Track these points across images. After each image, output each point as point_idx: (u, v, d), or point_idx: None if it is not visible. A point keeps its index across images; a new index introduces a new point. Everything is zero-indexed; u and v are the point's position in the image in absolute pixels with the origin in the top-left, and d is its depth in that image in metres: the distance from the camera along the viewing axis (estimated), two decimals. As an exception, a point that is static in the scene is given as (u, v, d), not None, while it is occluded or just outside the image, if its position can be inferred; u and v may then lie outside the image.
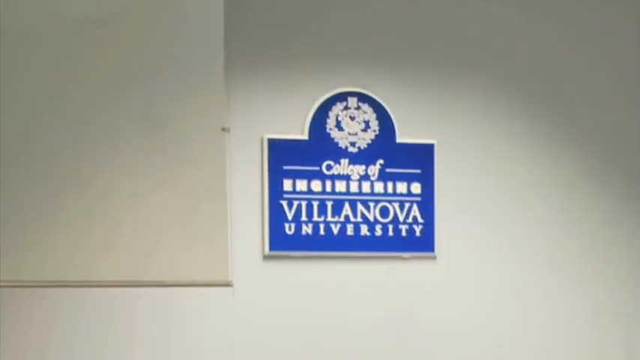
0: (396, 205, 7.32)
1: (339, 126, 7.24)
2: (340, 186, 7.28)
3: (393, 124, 7.28)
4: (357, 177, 7.31)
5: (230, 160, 6.10)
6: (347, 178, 7.27)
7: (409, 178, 7.38)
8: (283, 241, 7.24)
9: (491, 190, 7.67)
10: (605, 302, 7.96)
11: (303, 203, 7.23)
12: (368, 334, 7.40)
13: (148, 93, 5.91)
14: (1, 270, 5.47)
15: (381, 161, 7.31)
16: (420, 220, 7.33)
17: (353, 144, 7.28)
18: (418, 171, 7.36)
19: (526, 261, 7.69)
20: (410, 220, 7.36)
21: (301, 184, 7.24)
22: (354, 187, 7.33)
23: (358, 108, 7.29)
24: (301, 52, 7.31)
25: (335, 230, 7.27)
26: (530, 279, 7.72)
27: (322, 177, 7.25)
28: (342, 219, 7.29)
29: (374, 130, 7.26)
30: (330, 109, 7.26)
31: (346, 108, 7.27)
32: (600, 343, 7.97)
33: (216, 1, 5.80)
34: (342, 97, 7.25)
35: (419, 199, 7.37)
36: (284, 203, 7.21)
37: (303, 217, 7.23)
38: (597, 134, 7.97)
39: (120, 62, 5.75)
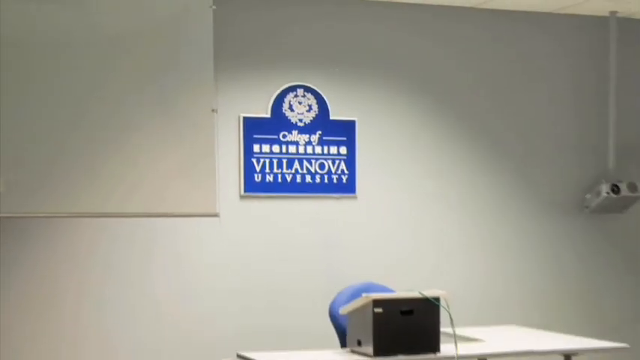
0: (330, 162, 7.72)
1: (291, 108, 7.63)
2: (292, 149, 7.64)
3: (327, 107, 7.71)
4: (303, 143, 7.69)
5: (217, 131, 6.53)
6: (296, 143, 7.65)
7: (338, 144, 7.76)
8: (253, 186, 7.53)
9: (396, 151, 7.98)
10: (479, 230, 8.14)
11: (267, 160, 7.58)
12: (311, 249, 7.74)
13: (159, 85, 5.96)
14: (59, 204, 5.59)
15: (320, 132, 7.70)
16: (345, 172, 7.76)
17: (300, 120, 7.66)
18: (344, 139, 7.78)
19: (419, 198, 8.00)
20: (339, 172, 7.76)
21: (265, 148, 7.57)
22: (301, 150, 7.68)
23: (304, 96, 7.66)
24: (267, 57, 7.62)
25: (288, 179, 7.62)
26: (421, 211, 7.99)
27: (279, 143, 7.63)
28: (293, 171, 7.65)
29: (315, 111, 7.67)
30: (285, 96, 7.63)
31: (296, 96, 7.64)
32: (474, 263, 8.12)
33: (207, 19, 5.91)
34: (293, 88, 7.65)
35: (345, 157, 7.77)
36: (254, 160, 7.54)
37: (267, 170, 7.57)
38: (467, 112, 8.12)
39: (138, 64, 5.91)
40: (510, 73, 8.23)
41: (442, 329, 5.57)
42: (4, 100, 5.33)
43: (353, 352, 5.62)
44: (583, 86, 8.36)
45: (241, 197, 7.43)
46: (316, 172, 7.59)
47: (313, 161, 7.60)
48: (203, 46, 5.73)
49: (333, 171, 7.62)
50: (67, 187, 5.58)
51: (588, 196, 8.15)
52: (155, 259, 7.34)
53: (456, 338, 5.53)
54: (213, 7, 5.64)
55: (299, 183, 7.56)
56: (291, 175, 7.50)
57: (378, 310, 5.40)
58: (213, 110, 5.71)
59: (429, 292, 5.56)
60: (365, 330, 5.48)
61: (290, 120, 7.51)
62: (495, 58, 8.15)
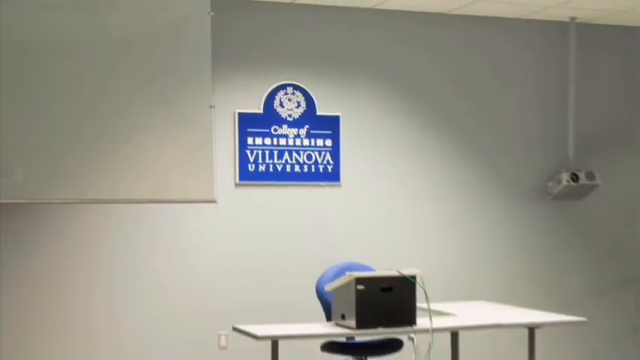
0: (316, 153, 7.70)
1: (281, 104, 7.61)
2: (282, 141, 7.60)
3: (314, 104, 7.68)
4: (292, 136, 7.65)
5: (215, 126, 6.52)
6: (286, 136, 7.62)
7: (324, 137, 7.72)
8: (247, 175, 7.50)
9: (377, 143, 7.95)
10: (452, 215, 8.11)
11: (260, 152, 7.55)
12: (299, 232, 7.73)
13: (162, 84, 5.97)
14: (72, 192, 5.64)
15: (307, 126, 7.66)
16: (330, 162, 7.74)
17: (290, 115, 7.63)
18: (330, 132, 7.74)
19: (398, 187, 7.96)
20: (325, 162, 7.75)
21: (258, 140, 7.54)
22: (290, 142, 7.64)
23: (293, 93, 7.63)
24: (260, 59, 7.60)
25: (279, 169, 7.60)
26: (399, 198, 7.95)
27: (271, 136, 7.59)
28: (283, 162, 7.63)
29: (303, 107, 7.65)
30: (276, 94, 7.60)
31: (286, 93, 7.61)
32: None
33: (205, 24, 5.91)
34: (283, 87, 7.62)
35: (330, 149, 7.73)
36: (248, 152, 7.51)
37: (260, 161, 7.54)
38: (441, 110, 8.09)
39: (143, 65, 5.94)
40: (481, 73, 8.17)
41: (418, 304, 5.55)
42: (23, 98, 5.38)
43: (337, 325, 5.62)
44: (546, 86, 8.33)
45: (236, 185, 7.40)
46: (304, 163, 7.54)
47: (301, 153, 7.54)
48: (201, 49, 5.74)
49: (320, 161, 7.57)
50: (79, 177, 5.59)
51: (550, 184, 8.15)
52: (158, 241, 7.32)
53: (430, 313, 5.53)
54: (211, 13, 5.63)
55: (288, 172, 7.52)
56: (281, 165, 7.45)
57: (360, 287, 5.42)
58: (210, 107, 5.70)
59: (406, 271, 5.55)
60: (348, 305, 5.49)
61: (280, 115, 7.46)
62: (467, 59, 8.11)
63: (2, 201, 5.83)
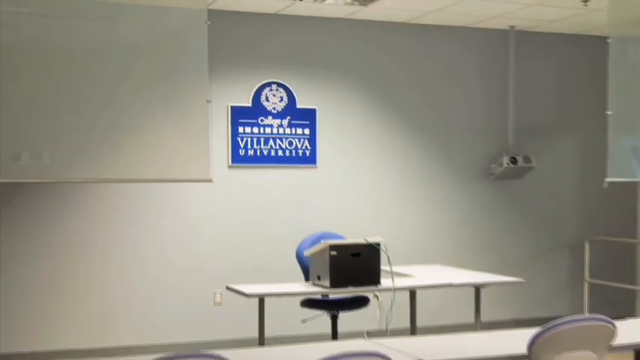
0: (296, 140, 7.70)
1: (267, 99, 7.60)
2: (267, 130, 7.60)
3: (295, 98, 7.70)
4: (276, 125, 7.63)
5: (211, 117, 6.39)
6: (271, 126, 7.62)
7: (303, 126, 7.73)
8: (239, 158, 7.50)
9: (348, 132, 7.95)
10: (410, 192, 8.12)
11: (249, 139, 7.54)
12: (282, 206, 7.74)
13: (166, 82, 5.84)
14: (91, 172, 5.59)
15: (289, 117, 7.67)
16: (308, 148, 7.75)
17: (274, 108, 7.63)
18: (308, 122, 7.73)
19: (365, 168, 7.98)
20: (303, 148, 7.75)
21: (248, 129, 7.52)
22: (274, 131, 7.63)
23: (277, 90, 7.63)
24: (249, 60, 7.59)
25: (265, 153, 7.59)
26: (366, 177, 7.97)
27: (258, 125, 7.58)
28: (268, 147, 7.62)
29: (285, 102, 7.65)
30: (262, 90, 7.60)
31: (271, 90, 7.61)
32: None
33: (203, 32, 5.77)
34: (269, 84, 7.63)
35: (308, 137, 7.73)
36: (239, 139, 7.50)
37: (249, 146, 7.54)
38: (403, 104, 8.07)
39: (150, 66, 5.82)
40: (434, 72, 8.12)
41: (382, 267, 5.58)
42: (49, 95, 5.37)
43: (314, 284, 5.66)
44: (489, 83, 8.29)
45: (229, 167, 7.38)
46: (286, 148, 7.51)
47: (284, 140, 7.52)
48: (199, 53, 5.59)
49: (299, 147, 7.56)
50: (96, 160, 5.51)
51: (493, 166, 8.13)
52: (163, 214, 7.36)
53: (392, 274, 5.58)
54: (208, 22, 5.60)
55: (273, 156, 7.50)
56: (267, 150, 7.43)
57: (334, 253, 5.44)
58: (207, 101, 5.62)
59: (372, 239, 5.58)
60: (323, 268, 5.52)
61: (266, 108, 7.44)
62: (423, 61, 8.06)
63: (33, 180, 5.93)
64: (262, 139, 7.48)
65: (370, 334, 5.27)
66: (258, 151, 7.46)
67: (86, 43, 5.45)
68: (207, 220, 7.45)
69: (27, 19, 5.36)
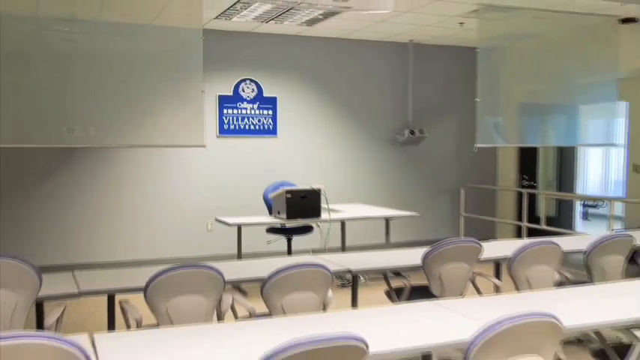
0: (263, 118, 7.77)
1: (243, 90, 7.67)
2: (244, 112, 7.65)
3: (262, 90, 7.77)
4: (250, 109, 7.66)
5: (205, 102, 6.25)
6: (246, 109, 7.67)
7: (268, 109, 7.77)
8: (224, 131, 7.55)
9: (300, 114, 7.99)
10: (343, 155, 8.17)
11: (231, 118, 7.58)
12: (255, 164, 7.76)
13: (173, 79, 5.81)
14: (119, 139, 5.52)
15: (258, 103, 7.71)
16: (272, 124, 7.79)
17: (248, 97, 7.68)
18: (271, 106, 7.76)
19: (313, 139, 8.04)
20: (268, 124, 7.78)
21: (230, 111, 7.58)
22: (248, 112, 7.67)
23: (250, 84, 7.69)
24: (232, 63, 7.62)
25: (242, 127, 7.62)
26: (314, 146, 8.05)
27: (237, 108, 7.64)
28: (244, 123, 7.56)
29: (255, 92, 7.70)
30: (240, 84, 7.66)
31: (246, 83, 7.65)
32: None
33: (198, 45, 5.76)
34: (244, 80, 7.69)
35: (272, 117, 7.77)
36: (224, 118, 7.55)
37: (231, 123, 7.57)
38: (339, 96, 8.13)
39: (160, 69, 5.78)
40: (359, 74, 8.10)
41: (322, 205, 5.72)
42: (94, 87, 5.51)
43: (276, 217, 5.80)
44: (396, 80, 8.31)
45: (217, 137, 7.49)
46: (256, 124, 7.62)
47: (254, 118, 7.62)
48: (197, 58, 5.59)
49: (265, 124, 7.66)
50: (125, 132, 5.07)
51: (398, 136, 8.30)
52: (170, 168, 7.41)
53: (329, 210, 5.85)
54: (203, 37, 5.71)
55: (248, 129, 7.58)
56: (243, 125, 7.55)
57: (289, 195, 5.62)
58: (202, 91, 5.54)
59: (316, 186, 5.76)
60: (282, 206, 5.67)
61: (242, 96, 7.58)
62: (352, 66, 8.11)
63: (83, 145, 6.20)
64: (240, 118, 7.53)
65: (314, 252, 5.55)
66: (237, 126, 7.52)
67: (118, 52, 5.53)
68: (202, 172, 7.49)
69: (78, 36, 5.52)
